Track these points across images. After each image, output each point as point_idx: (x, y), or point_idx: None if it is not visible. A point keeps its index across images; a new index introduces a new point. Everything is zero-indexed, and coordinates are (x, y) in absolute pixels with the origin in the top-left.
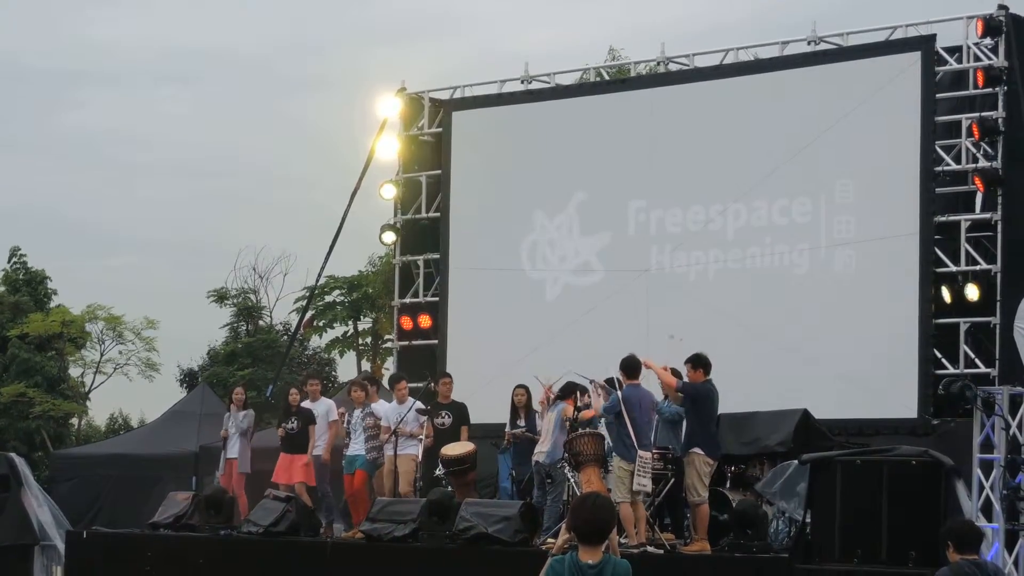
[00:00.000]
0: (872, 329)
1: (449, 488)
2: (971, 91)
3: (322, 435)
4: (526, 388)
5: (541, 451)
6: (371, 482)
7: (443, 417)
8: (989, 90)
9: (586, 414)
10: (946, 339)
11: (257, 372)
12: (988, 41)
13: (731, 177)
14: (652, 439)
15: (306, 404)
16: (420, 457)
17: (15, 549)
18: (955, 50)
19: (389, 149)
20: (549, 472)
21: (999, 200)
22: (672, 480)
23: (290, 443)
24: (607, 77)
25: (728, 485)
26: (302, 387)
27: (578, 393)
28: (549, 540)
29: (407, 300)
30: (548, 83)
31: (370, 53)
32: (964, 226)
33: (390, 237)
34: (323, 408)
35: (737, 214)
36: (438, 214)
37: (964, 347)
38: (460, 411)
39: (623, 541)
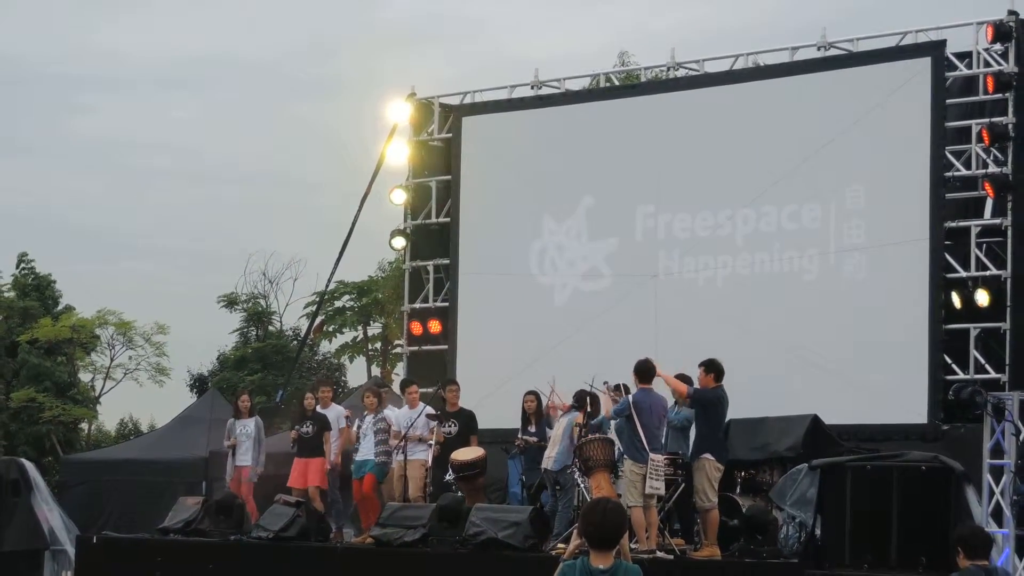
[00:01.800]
0: (882, 334)
1: (459, 493)
2: (981, 96)
3: (333, 440)
4: (536, 394)
5: (549, 457)
6: (380, 487)
7: (450, 426)
8: (999, 96)
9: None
10: (956, 344)
11: (267, 377)
12: (998, 47)
13: (740, 182)
14: (663, 444)
15: (318, 410)
16: (430, 462)
17: (26, 554)
18: (965, 56)
19: (399, 154)
20: (557, 479)
21: (1009, 205)
22: (683, 485)
23: (304, 447)
24: (617, 82)
25: (738, 491)
26: (316, 392)
27: (588, 400)
28: (560, 545)
29: (417, 305)
30: (558, 88)
31: (380, 58)
32: (974, 231)
33: (400, 242)
34: (333, 414)
35: (746, 219)
36: (448, 219)
37: (974, 352)
38: (467, 419)
39: (634, 546)
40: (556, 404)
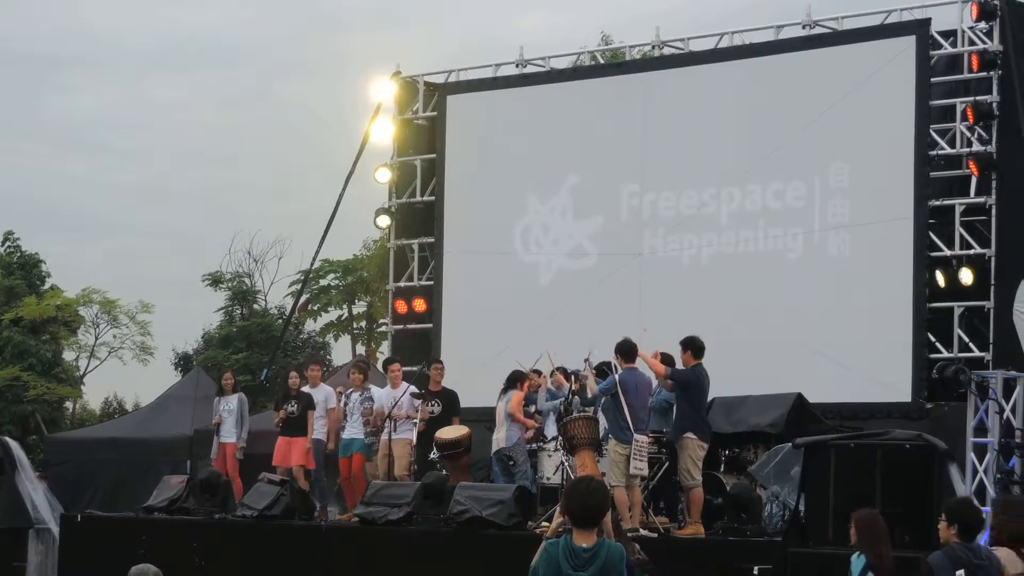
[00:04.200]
0: (866, 313)
1: (443, 472)
2: (966, 75)
3: (320, 419)
4: (536, 373)
5: (498, 438)
6: (367, 466)
7: (433, 405)
8: (984, 74)
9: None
10: (940, 323)
11: (252, 356)
12: (983, 25)
13: (725, 161)
14: (647, 423)
15: (306, 389)
16: (415, 441)
17: (10, 532)
18: (950, 34)
19: (384, 133)
20: (511, 455)
21: (993, 184)
22: (667, 464)
23: (289, 427)
24: (601, 61)
25: (722, 469)
26: (302, 371)
27: (573, 377)
28: (544, 523)
29: (402, 284)
30: (543, 67)
31: (365, 37)
32: (958, 210)
33: (385, 221)
34: (322, 395)
35: (731, 198)
36: (433, 198)
37: (958, 331)
38: (451, 399)
39: None
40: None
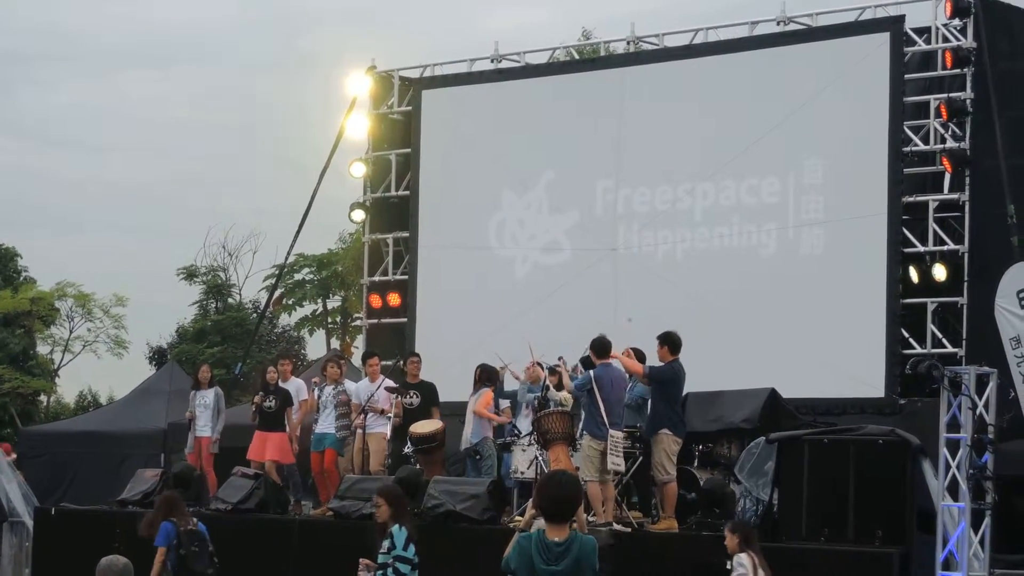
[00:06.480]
0: (840, 309)
1: (418, 466)
2: (940, 72)
3: (293, 414)
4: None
5: (465, 435)
6: (340, 461)
7: (411, 397)
8: (957, 71)
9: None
10: (913, 319)
11: (226, 350)
12: (957, 22)
13: (699, 156)
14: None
15: (280, 384)
16: (389, 435)
17: None
18: (924, 31)
19: (359, 127)
20: (477, 450)
21: (967, 181)
22: (640, 458)
23: (266, 420)
24: (577, 57)
25: (696, 464)
26: (277, 366)
27: (547, 373)
28: (517, 517)
29: (376, 278)
30: (518, 62)
31: (339, 33)
32: (932, 206)
33: (359, 215)
34: (293, 387)
35: (705, 194)
36: (407, 192)
37: (931, 327)
38: (429, 391)
39: (591, 519)
40: (515, 372)
